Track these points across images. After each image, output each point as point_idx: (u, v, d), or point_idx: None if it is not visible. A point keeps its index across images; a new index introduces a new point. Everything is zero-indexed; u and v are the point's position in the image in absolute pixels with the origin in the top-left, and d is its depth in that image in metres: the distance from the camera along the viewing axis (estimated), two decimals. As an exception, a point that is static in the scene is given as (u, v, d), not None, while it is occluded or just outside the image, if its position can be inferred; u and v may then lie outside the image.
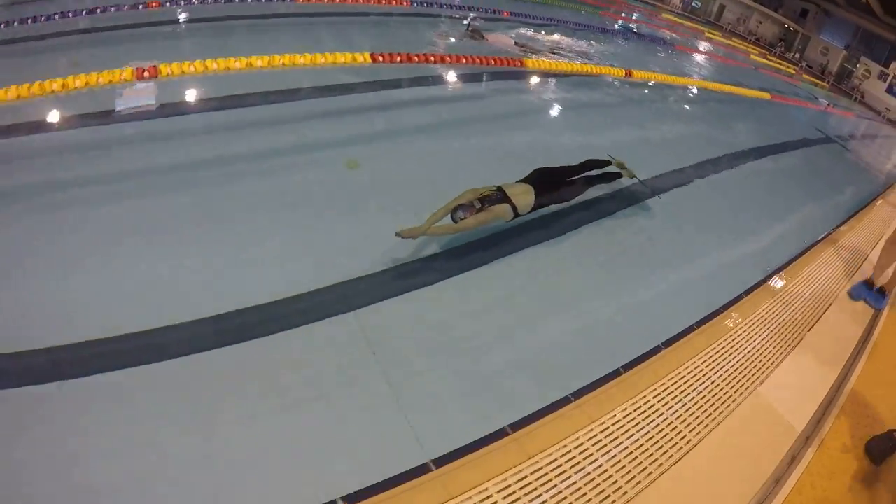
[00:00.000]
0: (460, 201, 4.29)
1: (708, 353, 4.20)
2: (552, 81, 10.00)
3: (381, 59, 6.56)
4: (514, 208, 4.53)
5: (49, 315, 3.36)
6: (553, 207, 5.31)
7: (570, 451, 3.15)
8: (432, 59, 8.12)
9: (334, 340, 3.57)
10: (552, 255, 4.96)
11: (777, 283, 5.46)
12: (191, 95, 6.19)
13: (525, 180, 4.80)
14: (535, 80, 9.80)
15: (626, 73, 10.63)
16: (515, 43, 11.34)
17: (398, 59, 6.88)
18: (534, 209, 4.75)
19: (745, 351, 4.30)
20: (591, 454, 3.16)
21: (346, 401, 3.22)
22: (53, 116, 5.36)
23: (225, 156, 5.20)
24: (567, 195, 5.25)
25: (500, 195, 4.47)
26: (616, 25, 19.67)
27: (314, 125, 6.09)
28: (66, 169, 4.68)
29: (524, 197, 4.62)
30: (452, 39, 10.67)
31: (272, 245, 4.24)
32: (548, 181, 4.91)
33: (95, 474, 2.62)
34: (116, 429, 2.82)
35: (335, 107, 6.64)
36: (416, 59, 6.99)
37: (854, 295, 5.46)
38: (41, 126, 5.22)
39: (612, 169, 5.80)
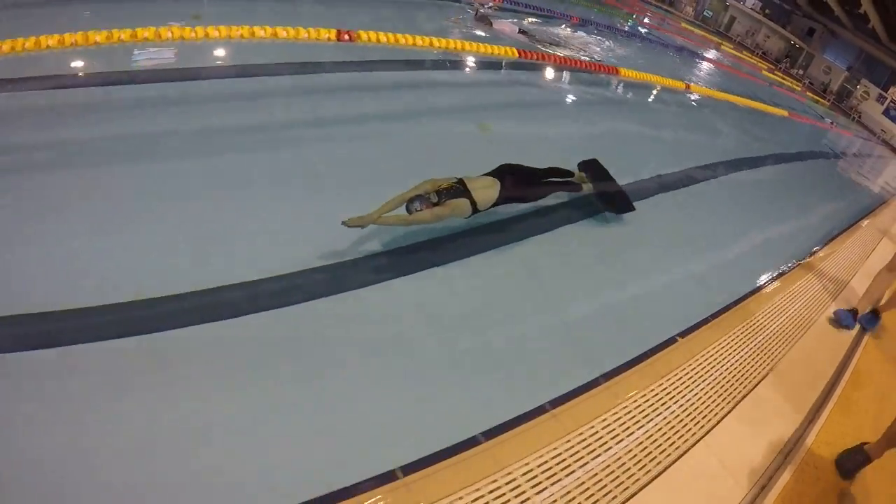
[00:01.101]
0: (417, 192, 4.04)
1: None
2: (553, 74, 9.92)
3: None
4: (474, 204, 4.26)
5: (117, 272, 3.39)
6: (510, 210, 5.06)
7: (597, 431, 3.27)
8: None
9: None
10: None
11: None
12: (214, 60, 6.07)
13: (491, 174, 4.55)
14: (536, 71, 9.66)
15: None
16: (520, 31, 11.15)
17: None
18: (495, 205, 4.47)
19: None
20: (618, 433, 3.31)
21: (397, 371, 3.34)
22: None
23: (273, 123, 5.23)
24: (531, 196, 5.03)
25: (460, 188, 4.20)
26: (627, 26, 19.53)
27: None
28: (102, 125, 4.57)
29: (487, 191, 4.35)
30: (459, 24, 10.54)
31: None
32: (514, 178, 4.64)
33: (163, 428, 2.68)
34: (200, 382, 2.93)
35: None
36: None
37: (840, 319, 5.38)
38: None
39: (574, 180, 5.54)
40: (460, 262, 4.37)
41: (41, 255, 3.37)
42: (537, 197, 5.11)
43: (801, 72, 32.06)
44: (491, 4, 11.71)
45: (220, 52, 6.22)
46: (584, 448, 3.15)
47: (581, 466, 3.03)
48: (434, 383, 3.39)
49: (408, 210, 3.97)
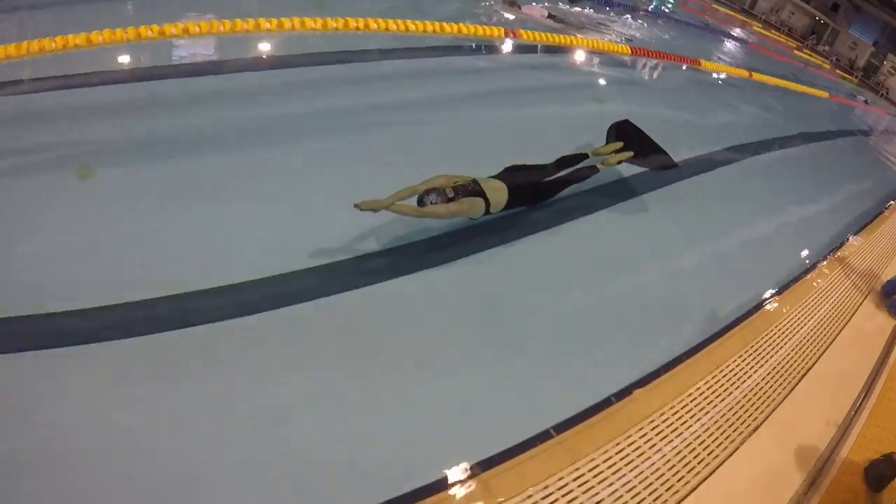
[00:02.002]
0: (432, 185, 3.91)
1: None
2: (581, 57, 9.72)
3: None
4: (488, 205, 4.12)
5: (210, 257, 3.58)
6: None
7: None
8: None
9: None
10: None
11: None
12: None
13: (498, 177, 4.36)
14: (565, 56, 9.50)
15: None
16: (549, 15, 10.95)
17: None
18: (504, 209, 4.32)
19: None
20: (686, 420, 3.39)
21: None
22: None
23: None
24: (541, 198, 4.87)
25: (475, 187, 4.08)
26: (659, 9, 19.08)
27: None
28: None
29: (499, 194, 4.21)
30: (488, 10, 10.40)
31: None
32: (522, 181, 4.46)
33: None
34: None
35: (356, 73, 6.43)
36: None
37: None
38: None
39: (588, 163, 5.20)
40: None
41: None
42: (548, 197, 4.92)
43: (826, 48, 31.37)
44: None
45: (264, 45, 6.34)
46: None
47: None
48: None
49: (420, 202, 3.83)
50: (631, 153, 5.40)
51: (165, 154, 4.28)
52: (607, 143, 5.59)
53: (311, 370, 3.08)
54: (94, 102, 4.64)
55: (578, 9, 12.56)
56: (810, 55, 26.91)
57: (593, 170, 5.16)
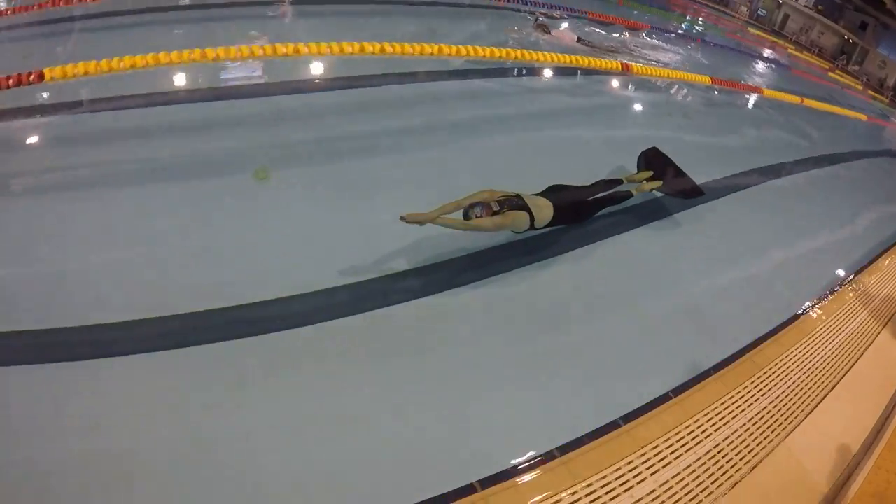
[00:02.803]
0: (477, 199, 4.06)
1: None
2: (610, 80, 9.91)
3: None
4: (532, 219, 4.30)
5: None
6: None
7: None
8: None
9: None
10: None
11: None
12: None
13: (543, 194, 4.58)
14: (593, 77, 9.71)
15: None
16: (579, 39, 11.20)
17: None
18: (548, 225, 4.53)
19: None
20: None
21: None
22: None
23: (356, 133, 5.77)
24: (582, 217, 5.08)
25: (519, 202, 4.25)
26: (692, 31, 19.26)
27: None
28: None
29: (544, 210, 4.40)
30: (518, 33, 10.70)
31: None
32: (566, 200, 4.66)
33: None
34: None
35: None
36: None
37: None
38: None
39: (622, 188, 5.43)
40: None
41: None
42: (587, 217, 5.14)
43: (856, 67, 31.08)
44: (556, 15, 11.83)
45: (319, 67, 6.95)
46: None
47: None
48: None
49: (466, 215, 3.99)
50: (660, 182, 5.64)
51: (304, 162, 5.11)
52: (638, 170, 5.84)
53: (381, 373, 3.42)
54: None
55: (607, 33, 12.79)
56: (841, 75, 26.72)
57: (628, 195, 5.39)
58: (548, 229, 4.64)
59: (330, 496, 2.76)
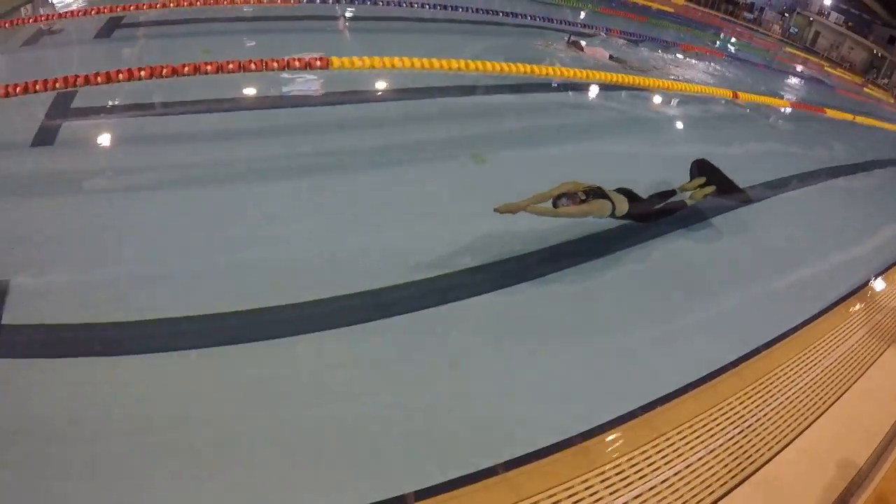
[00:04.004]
0: (562, 190, 4.52)
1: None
2: (639, 96, 10.22)
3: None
4: (613, 208, 4.74)
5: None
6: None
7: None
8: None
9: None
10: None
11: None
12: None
13: (618, 191, 5.04)
14: (622, 94, 10.06)
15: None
16: (611, 56, 11.59)
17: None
18: (623, 217, 4.98)
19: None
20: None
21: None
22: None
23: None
24: (648, 219, 5.53)
25: (601, 192, 4.72)
26: (716, 46, 19.42)
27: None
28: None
29: (622, 202, 4.87)
30: (551, 48, 11.27)
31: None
32: (635, 200, 5.11)
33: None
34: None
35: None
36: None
37: None
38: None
39: (677, 198, 5.87)
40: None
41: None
42: (651, 220, 5.59)
43: (885, 81, 30.98)
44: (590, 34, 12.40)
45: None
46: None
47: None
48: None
49: (554, 204, 4.47)
50: (714, 188, 5.98)
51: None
52: (691, 179, 6.16)
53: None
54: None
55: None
56: (872, 89, 26.63)
57: (682, 204, 5.80)
58: (626, 221, 5.15)
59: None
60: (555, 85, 9.35)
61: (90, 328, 3.48)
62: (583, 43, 11.72)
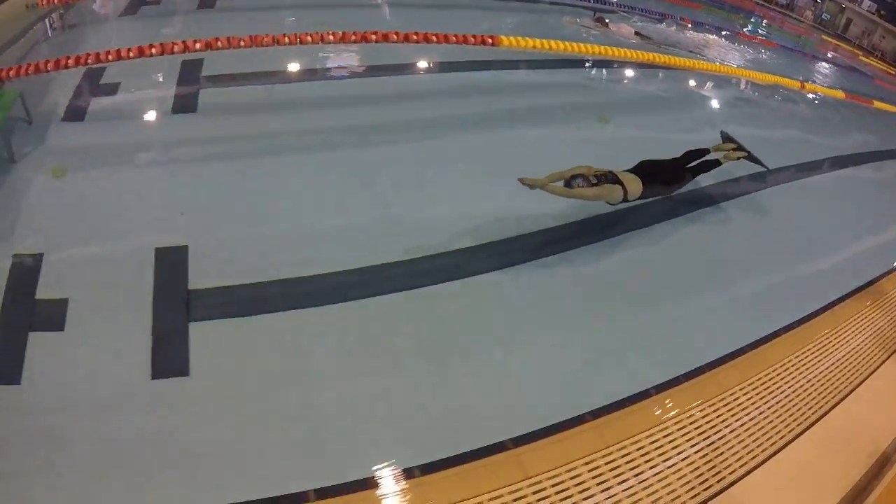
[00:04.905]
0: (577, 172, 4.68)
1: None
2: (670, 75, 10.09)
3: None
4: (625, 192, 4.86)
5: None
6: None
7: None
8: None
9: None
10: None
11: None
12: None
13: (632, 171, 5.10)
14: (645, 72, 9.94)
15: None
16: (636, 33, 11.48)
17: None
18: (639, 198, 5.06)
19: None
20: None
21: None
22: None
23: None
24: (673, 188, 5.57)
25: (613, 177, 4.84)
26: (747, 28, 18.85)
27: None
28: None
29: (634, 184, 4.94)
30: (576, 25, 11.23)
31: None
32: (653, 173, 5.16)
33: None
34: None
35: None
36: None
37: None
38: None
39: (711, 157, 5.95)
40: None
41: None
42: (679, 187, 5.64)
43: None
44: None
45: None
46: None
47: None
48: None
49: (568, 185, 4.62)
50: (746, 153, 6.20)
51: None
52: (724, 142, 6.39)
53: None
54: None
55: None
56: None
57: (716, 163, 5.95)
58: (640, 202, 5.19)
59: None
60: (588, 64, 9.36)
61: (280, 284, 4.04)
62: (607, 20, 11.56)
